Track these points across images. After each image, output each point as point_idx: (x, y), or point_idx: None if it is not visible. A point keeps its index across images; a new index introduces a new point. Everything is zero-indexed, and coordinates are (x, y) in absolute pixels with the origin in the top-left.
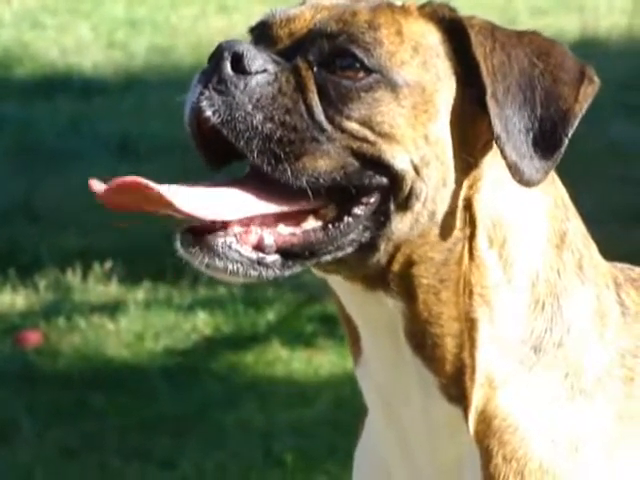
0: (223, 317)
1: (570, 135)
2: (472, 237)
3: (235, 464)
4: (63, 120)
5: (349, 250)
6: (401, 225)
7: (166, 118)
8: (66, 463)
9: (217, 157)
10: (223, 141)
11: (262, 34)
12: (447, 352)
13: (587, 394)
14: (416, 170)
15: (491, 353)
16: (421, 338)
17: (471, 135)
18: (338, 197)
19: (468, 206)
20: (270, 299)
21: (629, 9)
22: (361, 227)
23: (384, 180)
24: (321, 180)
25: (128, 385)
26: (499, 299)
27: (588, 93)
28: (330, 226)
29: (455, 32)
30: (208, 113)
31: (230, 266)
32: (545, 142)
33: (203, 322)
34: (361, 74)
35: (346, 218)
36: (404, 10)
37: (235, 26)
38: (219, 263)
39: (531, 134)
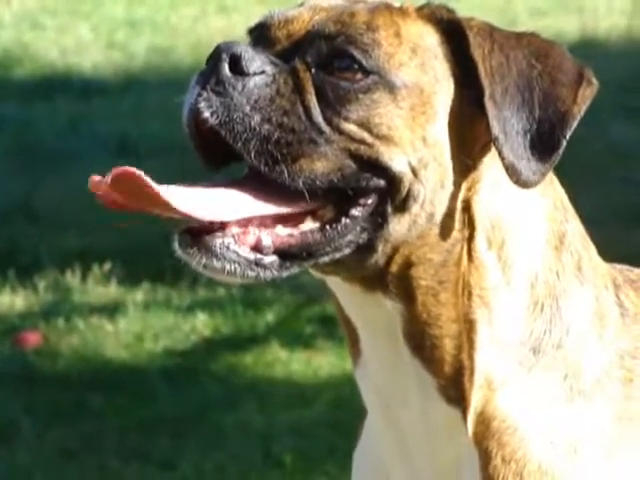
0: (222, 318)
1: (568, 137)
2: (471, 238)
3: (234, 465)
4: (63, 120)
5: (346, 251)
6: (399, 227)
7: (166, 118)
8: (65, 464)
9: (215, 158)
10: (221, 142)
11: (260, 35)
12: (446, 353)
13: (586, 395)
14: (414, 172)
15: (490, 354)
16: (420, 339)
17: (469, 137)
18: (336, 198)
19: (467, 208)
20: (269, 300)
21: (628, 10)
22: (358, 228)
23: (381, 182)
24: (318, 182)
25: (127, 386)
26: (498, 300)
27: (586, 95)
28: (328, 227)
29: (453, 33)
30: (206, 114)
31: (228, 267)
32: (543, 144)
33: (202, 323)
34: (359, 75)
35: (343, 219)
36: (402, 11)
37: (235, 26)
38: (217, 264)
39: (529, 136)
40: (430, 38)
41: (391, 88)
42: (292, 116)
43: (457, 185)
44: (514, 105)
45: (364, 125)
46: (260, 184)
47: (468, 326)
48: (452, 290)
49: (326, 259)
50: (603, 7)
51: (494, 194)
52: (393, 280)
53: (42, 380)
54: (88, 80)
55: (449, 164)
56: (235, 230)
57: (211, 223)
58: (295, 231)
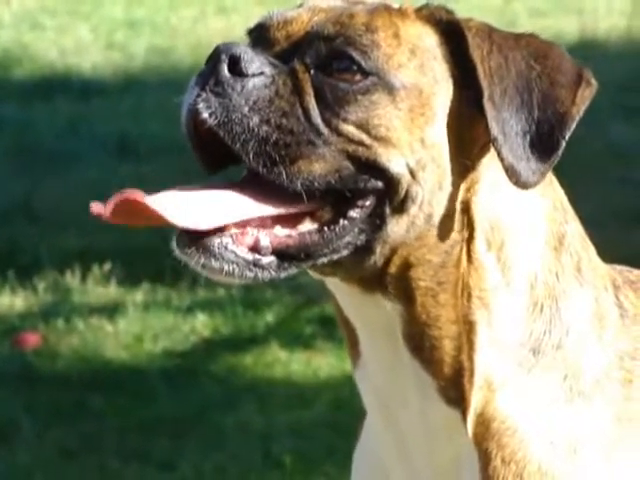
0: (222, 319)
1: (567, 138)
2: (470, 240)
3: (234, 466)
4: (62, 121)
5: (345, 253)
6: (397, 228)
7: (165, 119)
8: (65, 464)
9: (214, 160)
10: (220, 143)
11: (259, 36)
12: (445, 354)
13: (586, 396)
14: (412, 174)
15: (490, 355)
16: (419, 340)
17: (468, 138)
18: (334, 200)
19: (466, 209)
20: (269, 301)
21: (628, 11)
22: (357, 230)
23: (379, 184)
24: (316, 183)
25: (127, 386)
26: (498, 302)
27: (585, 96)
28: (326, 228)
29: (452, 34)
30: (205, 115)
31: (226, 267)
32: (542, 145)
33: (202, 324)
34: (358, 77)
35: (342, 221)
36: (401, 13)
37: (234, 27)
38: (215, 264)
39: (528, 137)
40: (429, 39)
41: (390, 89)
42: (291, 117)
43: (456, 186)
44: (513, 106)
45: (363, 126)
46: (258, 185)
47: (468, 327)
48: (451, 291)
49: (324, 260)
50: (603, 8)
51: (493, 195)
52: (392, 281)
53: (42, 380)
54: (87, 80)
55: (447, 165)
56: (233, 230)
57: None
58: (293, 232)
